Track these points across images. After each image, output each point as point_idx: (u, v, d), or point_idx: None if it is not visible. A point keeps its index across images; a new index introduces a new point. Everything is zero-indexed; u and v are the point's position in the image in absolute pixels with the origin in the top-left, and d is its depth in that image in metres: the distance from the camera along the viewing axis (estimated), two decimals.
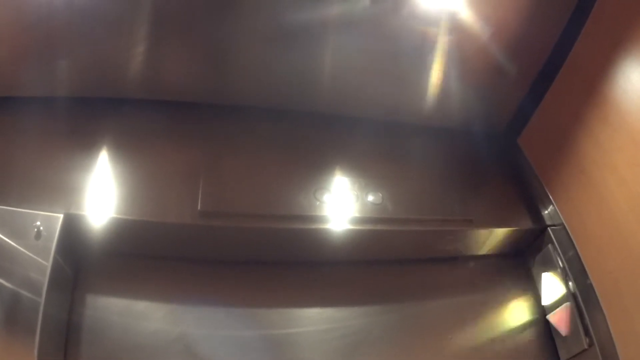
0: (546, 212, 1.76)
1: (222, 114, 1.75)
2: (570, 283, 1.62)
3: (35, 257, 1.31)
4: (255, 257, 1.64)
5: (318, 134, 1.80)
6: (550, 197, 1.74)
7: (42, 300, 1.26)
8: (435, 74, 1.73)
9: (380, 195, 1.66)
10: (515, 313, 1.76)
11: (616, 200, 1.49)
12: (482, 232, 1.74)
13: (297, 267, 1.67)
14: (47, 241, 1.35)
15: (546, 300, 1.71)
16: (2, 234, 1.32)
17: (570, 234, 1.65)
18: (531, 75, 1.77)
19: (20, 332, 1.24)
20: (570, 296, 1.61)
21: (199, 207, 1.50)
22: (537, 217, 1.78)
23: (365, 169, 1.73)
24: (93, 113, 1.66)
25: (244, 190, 1.57)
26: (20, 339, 1.23)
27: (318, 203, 1.59)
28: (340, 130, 1.82)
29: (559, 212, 1.70)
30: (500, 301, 1.77)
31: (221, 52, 1.63)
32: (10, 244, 1.31)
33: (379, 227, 1.61)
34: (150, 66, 1.63)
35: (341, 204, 1.61)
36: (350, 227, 1.58)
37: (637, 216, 1.42)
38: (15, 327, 1.24)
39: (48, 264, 1.31)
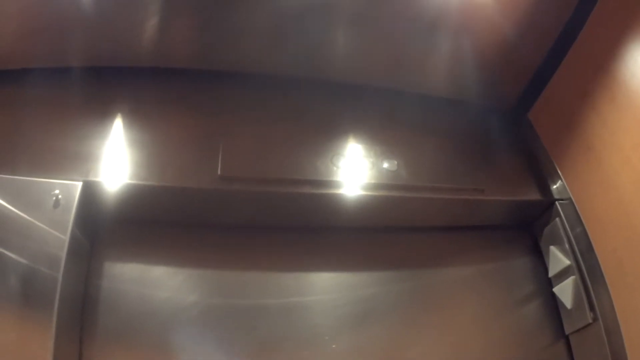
0: (555, 186, 1.78)
1: (237, 82, 1.76)
2: (576, 257, 1.64)
3: (52, 230, 1.31)
4: (272, 222, 1.67)
5: (334, 102, 1.81)
6: (559, 171, 1.76)
7: (60, 274, 1.26)
8: (449, 48, 1.74)
9: (396, 162, 1.68)
10: (522, 285, 1.79)
11: (621, 179, 1.51)
12: (493, 202, 1.77)
13: (314, 233, 1.70)
14: (65, 210, 1.34)
15: (553, 273, 1.73)
16: (18, 208, 1.32)
17: (577, 209, 1.67)
18: (542, 52, 1.78)
19: (36, 305, 1.24)
20: (576, 270, 1.63)
21: (219, 172, 1.52)
22: (546, 190, 1.80)
23: (381, 137, 1.75)
24: (107, 82, 1.67)
25: (263, 156, 1.60)
26: (36, 312, 1.23)
27: (335, 168, 1.62)
28: (356, 99, 1.84)
29: (566, 186, 1.72)
30: (508, 272, 1.80)
31: (234, 21, 1.61)
32: (25, 218, 1.31)
33: (393, 193, 1.64)
34: (164, 33, 1.63)
35: (357, 170, 1.64)
36: (366, 192, 1.61)
37: None
38: (31, 300, 1.24)
39: (66, 237, 1.30)
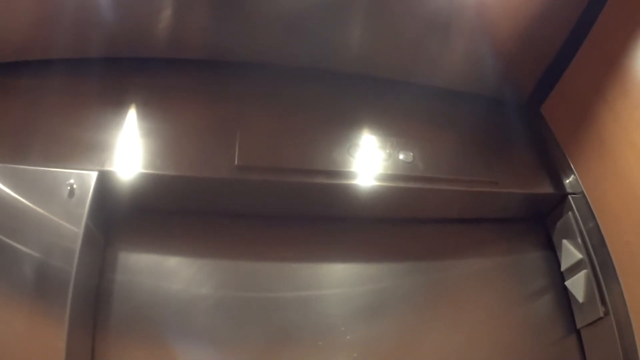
0: (567, 180, 1.78)
1: (254, 73, 1.77)
2: (588, 251, 1.64)
3: (65, 223, 1.31)
4: (288, 212, 1.69)
5: (350, 94, 1.82)
6: (572, 165, 1.76)
7: (74, 267, 1.26)
8: (464, 42, 1.75)
9: (411, 154, 1.69)
10: (535, 278, 1.79)
11: (634, 173, 1.51)
12: (506, 195, 1.77)
13: (329, 223, 1.71)
14: (79, 200, 1.34)
15: (565, 266, 1.73)
16: (31, 198, 1.33)
17: (590, 203, 1.67)
18: (555, 47, 1.78)
19: (49, 299, 1.24)
20: (588, 264, 1.63)
21: (236, 162, 1.53)
22: (559, 183, 1.80)
23: (397, 129, 1.76)
24: (123, 72, 1.68)
25: (280, 146, 1.60)
26: (49, 305, 1.24)
27: (351, 159, 1.62)
28: (372, 91, 1.85)
29: (579, 180, 1.72)
30: (520, 265, 1.81)
31: (251, 11, 1.61)
32: (38, 210, 1.31)
33: (409, 184, 1.65)
34: (180, 24, 1.63)
35: (374, 161, 1.65)
36: (382, 183, 1.62)
37: None
38: (44, 293, 1.24)
39: (80, 230, 1.30)
